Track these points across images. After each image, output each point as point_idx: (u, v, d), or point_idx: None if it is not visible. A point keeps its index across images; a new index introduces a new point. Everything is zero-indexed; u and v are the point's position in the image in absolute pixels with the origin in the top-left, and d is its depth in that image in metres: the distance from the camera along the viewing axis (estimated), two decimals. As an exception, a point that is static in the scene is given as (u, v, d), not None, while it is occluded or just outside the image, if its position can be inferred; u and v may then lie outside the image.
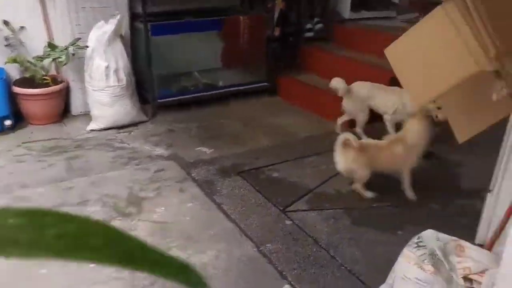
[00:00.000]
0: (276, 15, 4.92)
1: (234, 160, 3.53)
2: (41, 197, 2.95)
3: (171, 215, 2.82)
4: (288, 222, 2.80)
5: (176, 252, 2.49)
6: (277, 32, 4.98)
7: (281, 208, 2.93)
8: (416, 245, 1.56)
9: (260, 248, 2.55)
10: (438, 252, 1.51)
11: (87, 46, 3.87)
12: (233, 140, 3.91)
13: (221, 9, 4.67)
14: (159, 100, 4.35)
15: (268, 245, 2.58)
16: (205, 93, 4.59)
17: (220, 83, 4.69)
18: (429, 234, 1.60)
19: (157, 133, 4.01)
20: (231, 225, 2.75)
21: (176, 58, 4.37)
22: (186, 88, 4.53)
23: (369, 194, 3.03)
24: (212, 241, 2.60)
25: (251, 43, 4.66)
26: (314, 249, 2.56)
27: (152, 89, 4.29)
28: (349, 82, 3.72)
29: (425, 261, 1.50)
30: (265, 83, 4.85)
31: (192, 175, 3.30)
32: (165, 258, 0.33)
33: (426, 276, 1.48)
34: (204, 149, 3.73)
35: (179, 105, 4.45)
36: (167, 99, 4.40)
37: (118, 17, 3.89)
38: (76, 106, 4.29)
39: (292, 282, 2.30)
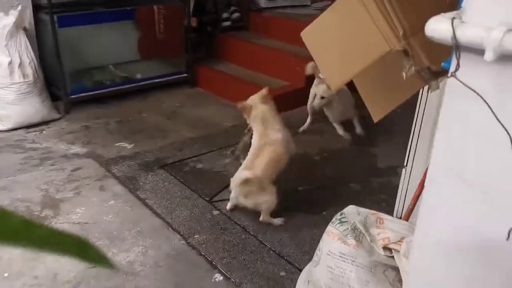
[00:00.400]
0: (192, 4, 4.83)
1: (157, 154, 3.44)
2: None
3: (92, 215, 2.68)
4: (215, 212, 2.78)
5: (99, 252, 2.37)
6: (194, 23, 4.89)
7: (208, 199, 2.90)
8: (339, 221, 1.61)
9: (189, 241, 2.50)
10: (360, 226, 1.57)
11: (-14, 40, 3.55)
12: (155, 133, 3.80)
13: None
14: (72, 96, 4.10)
15: (197, 236, 2.54)
16: (122, 87, 4.41)
17: (138, 76, 4.53)
18: (350, 210, 1.66)
19: (72, 131, 3.79)
20: (157, 220, 2.68)
21: (89, 51, 4.14)
22: (102, 82, 4.32)
23: (279, 222, 2.68)
24: (138, 238, 2.51)
25: (168, 33, 4.55)
26: (243, 237, 2.56)
27: (63, 84, 4.03)
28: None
29: (348, 235, 1.55)
30: (185, 74, 4.77)
31: (113, 171, 3.16)
32: (56, 235, 0.29)
33: (349, 250, 1.53)
34: (125, 144, 3.59)
35: (95, 100, 4.24)
36: (81, 95, 4.16)
37: (19, 8, 3.62)
38: (-23, 106, 3.92)
39: (223, 271, 2.29)
